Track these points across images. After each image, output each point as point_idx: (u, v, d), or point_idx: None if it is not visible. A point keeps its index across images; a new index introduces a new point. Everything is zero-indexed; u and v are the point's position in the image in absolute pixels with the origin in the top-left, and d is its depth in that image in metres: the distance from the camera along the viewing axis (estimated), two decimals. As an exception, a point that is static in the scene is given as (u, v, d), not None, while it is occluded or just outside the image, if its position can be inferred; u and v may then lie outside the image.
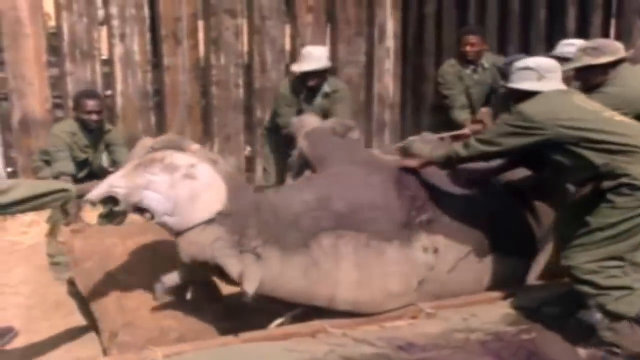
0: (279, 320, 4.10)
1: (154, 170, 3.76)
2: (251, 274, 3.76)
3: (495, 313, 4.01)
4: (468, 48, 5.91)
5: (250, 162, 7.53)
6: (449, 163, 4.14)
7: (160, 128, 7.00)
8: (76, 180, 5.29)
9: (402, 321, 4.14)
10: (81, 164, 5.47)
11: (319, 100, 5.79)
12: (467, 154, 3.97)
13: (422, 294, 4.11)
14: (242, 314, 4.28)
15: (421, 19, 7.61)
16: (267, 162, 6.26)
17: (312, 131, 4.59)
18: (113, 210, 3.80)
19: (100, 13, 7.24)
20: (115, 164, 5.64)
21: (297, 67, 5.70)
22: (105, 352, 4.00)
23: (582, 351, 3.64)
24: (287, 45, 7.47)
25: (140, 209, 3.78)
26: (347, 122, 4.78)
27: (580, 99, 3.91)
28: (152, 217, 3.80)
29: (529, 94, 3.89)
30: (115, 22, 6.60)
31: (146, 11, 6.76)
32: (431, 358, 3.59)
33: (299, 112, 5.67)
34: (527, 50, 6.50)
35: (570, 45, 5.13)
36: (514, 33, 6.61)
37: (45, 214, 6.22)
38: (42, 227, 6.16)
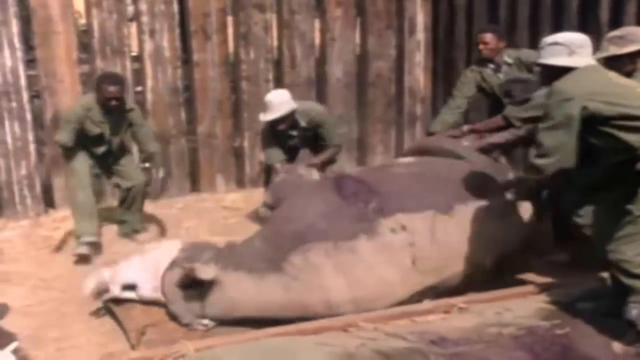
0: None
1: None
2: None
3: (528, 307, 3.95)
4: (482, 47, 5.89)
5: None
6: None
7: (191, 123, 7.03)
8: (93, 156, 5.54)
9: (434, 315, 4.11)
10: (96, 140, 5.55)
11: (300, 135, 5.82)
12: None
13: (427, 271, 4.24)
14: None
15: (452, 11, 7.52)
16: None
17: (274, 184, 5.50)
18: None
19: (130, 9, 7.33)
20: (137, 143, 5.83)
21: (262, 117, 5.71)
22: (133, 348, 4.02)
23: (617, 346, 3.57)
24: (317, 40, 7.44)
25: None
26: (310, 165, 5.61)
27: (615, 75, 3.85)
28: None
29: (560, 70, 3.81)
30: (144, 19, 6.62)
31: (175, 7, 6.77)
32: (464, 353, 3.54)
33: (289, 148, 5.87)
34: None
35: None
36: (546, 24, 6.48)
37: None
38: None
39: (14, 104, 6.20)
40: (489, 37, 5.86)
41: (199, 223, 6.30)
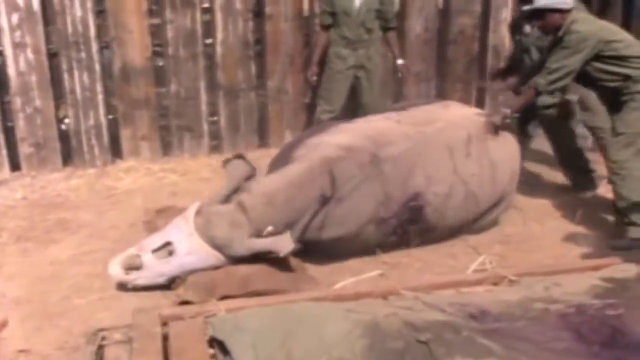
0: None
1: None
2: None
3: (581, 284, 3.62)
4: None
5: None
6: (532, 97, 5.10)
7: (261, 78, 6.88)
8: None
9: (481, 287, 3.86)
10: None
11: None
12: (545, 83, 4.90)
13: (410, 123, 4.94)
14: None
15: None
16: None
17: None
18: None
19: (201, -41, 7.17)
20: None
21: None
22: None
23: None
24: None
25: None
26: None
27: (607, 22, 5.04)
28: None
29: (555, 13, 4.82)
30: (216, -31, 6.49)
31: (248, -43, 6.60)
32: (503, 329, 3.27)
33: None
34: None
35: None
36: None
37: (143, 160, 6.36)
38: (140, 173, 6.28)
39: (83, 55, 6.22)
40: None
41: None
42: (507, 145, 5.10)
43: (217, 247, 4.16)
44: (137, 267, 4.20)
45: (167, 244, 4.21)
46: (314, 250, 4.52)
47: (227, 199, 4.39)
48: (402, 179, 4.64)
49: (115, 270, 4.21)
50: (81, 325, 3.89)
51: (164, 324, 3.54)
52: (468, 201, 4.84)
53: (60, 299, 4.23)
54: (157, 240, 4.27)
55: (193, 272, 4.15)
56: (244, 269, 4.13)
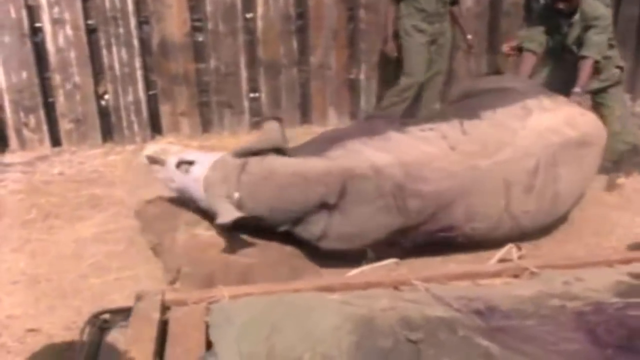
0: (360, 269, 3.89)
1: None
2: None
3: (605, 280, 3.33)
4: None
5: (399, 90, 7.09)
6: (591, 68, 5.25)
7: (303, 53, 6.73)
8: None
9: (499, 279, 3.64)
10: None
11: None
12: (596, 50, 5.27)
13: (468, 153, 4.34)
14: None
15: None
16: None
17: None
18: None
19: None
20: None
21: None
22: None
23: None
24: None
25: None
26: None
27: None
28: None
29: None
30: (257, -59, 6.35)
31: None
32: (509, 328, 3.04)
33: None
34: None
35: None
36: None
37: (183, 137, 6.33)
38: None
39: (121, 30, 6.20)
40: None
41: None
42: (585, 170, 4.60)
43: (204, 188, 4.25)
44: (160, 163, 4.62)
45: (192, 162, 4.42)
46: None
47: (244, 155, 4.31)
48: (433, 214, 4.25)
49: (145, 155, 4.81)
50: (91, 306, 3.84)
51: (167, 308, 3.48)
52: (512, 233, 4.31)
53: (77, 278, 4.24)
54: (191, 155, 4.56)
55: (188, 199, 4.45)
56: (243, 261, 4.04)
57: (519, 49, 5.73)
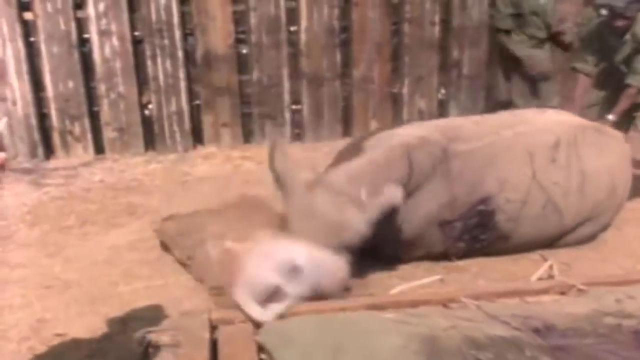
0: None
1: None
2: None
3: (657, 298, 3.26)
4: None
5: (443, 105, 7.03)
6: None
7: (347, 66, 6.73)
8: None
9: (547, 296, 3.55)
10: None
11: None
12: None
13: None
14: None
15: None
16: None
17: None
18: None
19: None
20: None
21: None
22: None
23: None
24: (492, -21, 6.74)
25: None
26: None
27: None
28: None
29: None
30: (302, -45, 6.37)
31: (334, -58, 6.44)
32: (570, 347, 2.96)
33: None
34: None
35: None
36: None
37: (224, 147, 6.36)
38: (218, 160, 6.31)
39: (166, 41, 6.29)
40: None
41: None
42: (609, 157, 4.60)
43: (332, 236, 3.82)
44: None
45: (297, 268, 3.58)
46: (371, 252, 4.28)
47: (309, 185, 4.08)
48: (471, 180, 4.30)
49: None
50: (119, 313, 3.91)
51: (214, 327, 3.42)
52: (548, 211, 4.39)
53: (108, 285, 4.28)
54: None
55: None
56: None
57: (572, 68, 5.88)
